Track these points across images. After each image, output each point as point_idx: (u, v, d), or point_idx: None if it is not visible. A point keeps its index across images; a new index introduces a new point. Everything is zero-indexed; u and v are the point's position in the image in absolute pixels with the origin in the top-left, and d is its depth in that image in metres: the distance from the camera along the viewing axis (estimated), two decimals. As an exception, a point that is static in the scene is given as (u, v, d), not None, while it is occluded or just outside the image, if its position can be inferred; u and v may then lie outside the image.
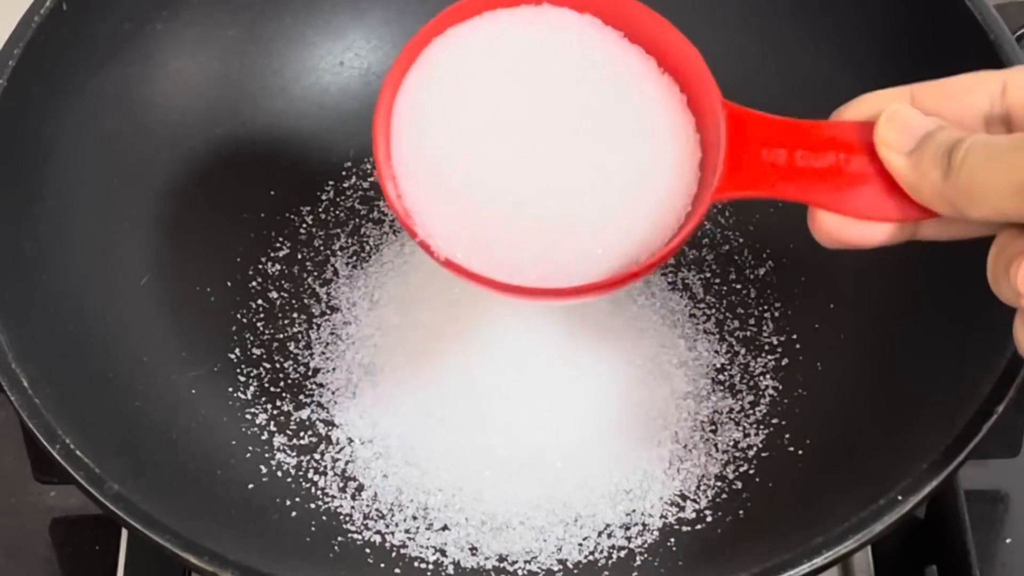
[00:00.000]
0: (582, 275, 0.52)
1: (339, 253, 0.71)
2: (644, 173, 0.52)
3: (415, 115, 0.53)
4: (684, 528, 0.62)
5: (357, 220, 0.72)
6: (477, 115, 0.53)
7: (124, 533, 0.67)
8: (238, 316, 0.68)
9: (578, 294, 0.52)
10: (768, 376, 0.66)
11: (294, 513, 0.62)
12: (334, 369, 0.67)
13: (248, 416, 0.65)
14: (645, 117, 0.53)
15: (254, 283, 0.69)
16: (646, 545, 0.61)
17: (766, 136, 0.51)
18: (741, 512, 0.62)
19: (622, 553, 0.61)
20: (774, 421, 0.65)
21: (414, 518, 0.62)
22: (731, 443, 0.64)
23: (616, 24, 0.54)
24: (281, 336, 0.68)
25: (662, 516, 0.62)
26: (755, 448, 0.64)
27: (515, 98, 0.53)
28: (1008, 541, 0.67)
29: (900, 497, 0.53)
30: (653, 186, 0.52)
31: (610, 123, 0.52)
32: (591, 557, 0.61)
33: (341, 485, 0.63)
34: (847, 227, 0.51)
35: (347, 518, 0.62)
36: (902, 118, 0.50)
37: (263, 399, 0.66)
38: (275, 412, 0.65)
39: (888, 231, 0.51)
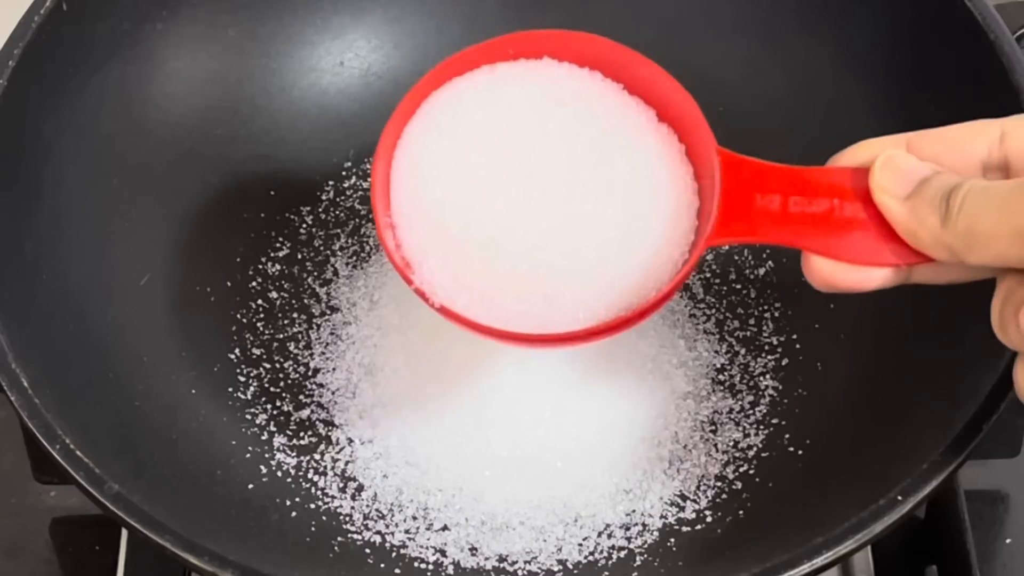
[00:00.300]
0: (576, 322, 0.52)
1: (339, 253, 0.71)
2: (641, 222, 0.53)
3: (414, 165, 0.54)
4: (684, 528, 0.62)
5: (357, 220, 0.72)
6: (476, 165, 0.53)
7: (124, 533, 0.67)
8: (238, 316, 0.68)
9: (571, 341, 0.53)
10: (768, 376, 0.66)
11: (294, 513, 0.62)
12: (334, 369, 0.67)
13: (248, 416, 0.65)
14: (643, 167, 0.54)
15: (254, 283, 0.69)
16: (646, 545, 0.61)
17: (760, 182, 0.52)
18: (741, 512, 0.62)
19: (622, 553, 0.61)
20: (774, 421, 0.65)
21: (414, 518, 0.62)
22: (731, 443, 0.64)
23: (615, 76, 0.55)
24: (281, 336, 0.68)
25: (662, 516, 0.62)
26: (755, 448, 0.64)
27: (514, 149, 0.53)
28: (1008, 541, 0.67)
29: (900, 497, 0.53)
30: (650, 235, 0.53)
31: (608, 173, 0.53)
32: (591, 557, 0.61)
33: (341, 485, 0.63)
34: (841, 272, 0.50)
35: (347, 518, 0.62)
36: (898, 163, 0.50)
37: (263, 399, 0.66)
38: (275, 412, 0.65)
39: (882, 276, 0.51)
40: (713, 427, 0.65)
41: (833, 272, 0.50)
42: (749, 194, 0.52)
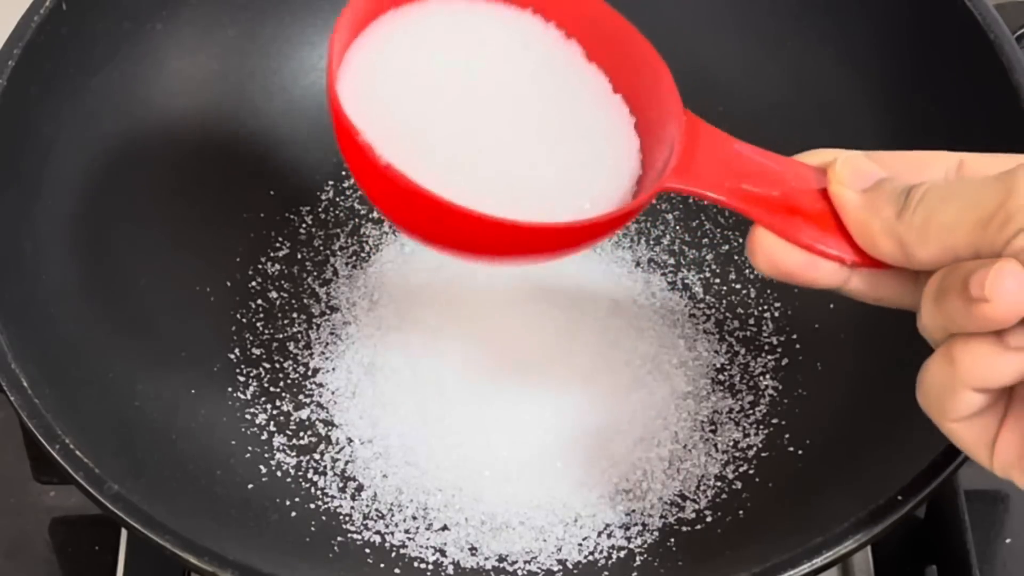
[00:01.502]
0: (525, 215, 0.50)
1: (339, 253, 0.71)
2: (587, 151, 0.52)
3: (372, 56, 0.53)
4: (684, 528, 0.62)
5: (357, 220, 0.72)
6: (432, 79, 0.52)
7: (124, 533, 0.67)
8: (238, 316, 0.68)
9: (524, 237, 0.49)
10: (768, 376, 0.66)
11: (294, 513, 0.62)
12: (334, 369, 0.67)
13: (248, 416, 0.65)
14: (587, 114, 0.53)
15: (254, 283, 0.69)
16: (646, 545, 0.61)
17: (723, 150, 0.52)
18: (741, 512, 0.62)
19: (622, 553, 0.61)
20: (774, 421, 0.65)
21: (414, 518, 0.62)
22: (731, 443, 0.64)
23: (578, 32, 0.54)
24: (281, 336, 0.68)
25: (662, 516, 0.62)
26: (755, 448, 0.64)
27: (467, 73, 0.53)
28: (1008, 541, 0.67)
29: (900, 497, 0.53)
30: (597, 166, 0.52)
31: (558, 103, 0.53)
32: (591, 557, 0.61)
33: (341, 485, 0.63)
34: (785, 252, 0.50)
35: (347, 518, 0.62)
36: (859, 163, 0.50)
37: (263, 399, 0.66)
38: (275, 412, 0.65)
39: (823, 271, 0.51)
40: (713, 427, 0.65)
41: (777, 250, 0.50)
42: (711, 154, 0.52)
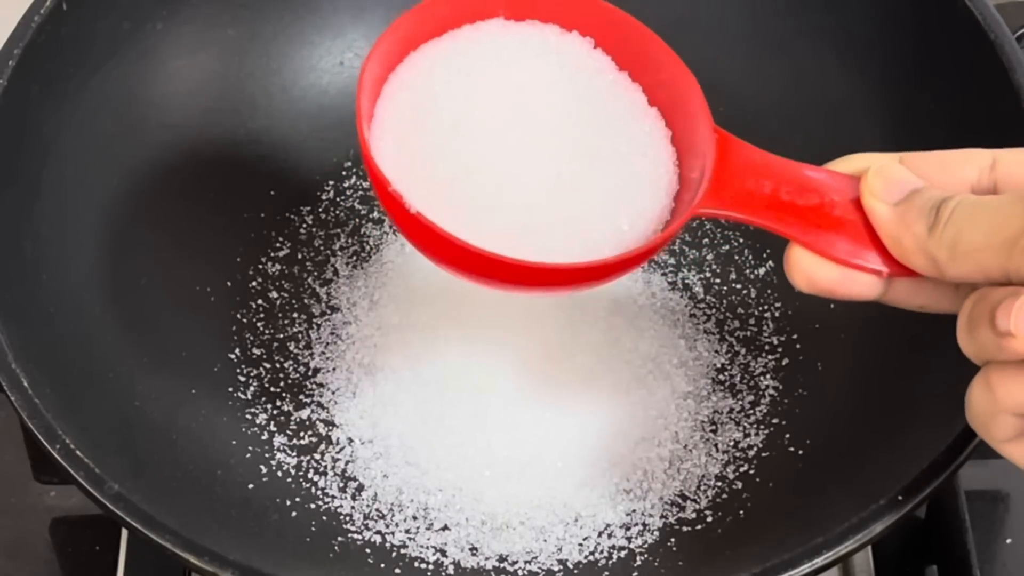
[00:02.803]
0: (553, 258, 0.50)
1: (339, 253, 0.71)
2: (625, 170, 0.52)
3: (406, 92, 0.53)
4: (684, 528, 0.62)
5: (357, 220, 0.72)
6: (467, 107, 0.52)
7: (124, 533, 0.67)
8: (238, 316, 0.68)
9: (547, 276, 0.50)
10: (768, 376, 0.66)
11: (294, 513, 0.62)
12: (334, 369, 0.67)
13: (248, 416, 0.65)
14: (628, 138, 0.53)
15: (254, 283, 0.69)
16: (646, 545, 0.61)
17: (754, 165, 0.52)
18: (741, 512, 0.62)
19: (622, 553, 0.61)
20: (774, 421, 0.65)
21: (414, 518, 0.62)
22: (731, 443, 0.64)
23: (612, 48, 0.54)
24: (281, 336, 0.68)
25: (662, 516, 0.62)
26: (755, 448, 0.64)
27: (503, 100, 0.53)
28: (1008, 541, 0.67)
29: (900, 497, 0.53)
30: (635, 184, 0.52)
31: (591, 136, 0.53)
32: (591, 557, 0.61)
33: (341, 485, 0.63)
34: (822, 269, 0.50)
35: (347, 518, 0.62)
36: (891, 172, 0.50)
37: (263, 399, 0.66)
38: (275, 412, 0.65)
39: (862, 284, 0.51)
40: (713, 427, 0.65)
41: (813, 268, 0.51)
42: (742, 173, 0.52)
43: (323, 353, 0.67)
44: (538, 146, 0.52)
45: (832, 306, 0.67)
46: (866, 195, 0.50)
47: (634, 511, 0.62)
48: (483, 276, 0.50)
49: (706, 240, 0.71)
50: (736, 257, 0.70)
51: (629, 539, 0.62)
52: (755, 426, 0.65)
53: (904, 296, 0.51)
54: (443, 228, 0.49)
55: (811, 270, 0.51)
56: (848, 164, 0.52)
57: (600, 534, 0.62)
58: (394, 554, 0.61)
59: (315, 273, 0.70)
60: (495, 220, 0.51)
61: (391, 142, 0.52)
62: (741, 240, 0.70)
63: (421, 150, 0.52)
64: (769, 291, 0.69)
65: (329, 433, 0.65)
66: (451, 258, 0.50)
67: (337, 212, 0.72)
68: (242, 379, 0.66)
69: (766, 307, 0.69)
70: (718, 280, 0.70)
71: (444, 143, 0.52)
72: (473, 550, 0.61)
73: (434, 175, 0.51)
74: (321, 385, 0.66)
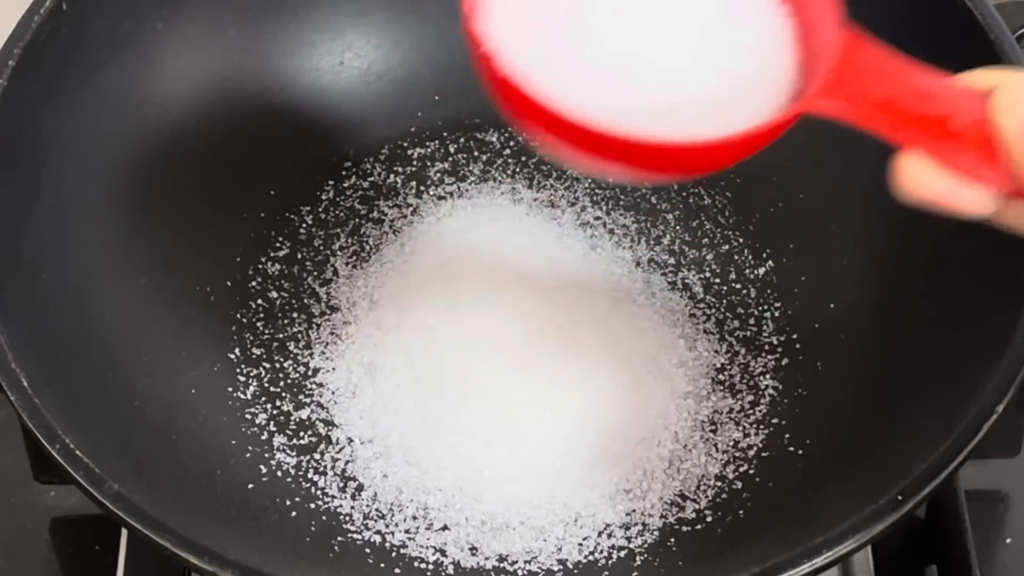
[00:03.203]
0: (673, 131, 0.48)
1: (339, 253, 0.71)
2: (747, 59, 0.51)
3: None
4: (684, 528, 0.62)
5: (357, 220, 0.72)
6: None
7: (124, 533, 0.67)
8: (238, 316, 0.68)
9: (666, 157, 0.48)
10: (768, 376, 0.66)
11: (294, 513, 0.62)
12: (334, 369, 0.67)
13: (248, 416, 0.65)
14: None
15: (254, 283, 0.69)
16: (646, 545, 0.61)
17: (879, 68, 0.50)
18: (741, 512, 0.62)
19: (622, 553, 0.61)
20: (774, 421, 0.65)
21: (414, 518, 0.62)
22: (731, 443, 0.64)
23: None
24: (281, 336, 0.68)
25: (662, 516, 0.62)
26: (755, 448, 0.64)
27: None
28: (1008, 541, 0.67)
29: (900, 497, 0.53)
30: (755, 74, 0.51)
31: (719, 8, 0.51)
32: (591, 557, 0.61)
33: (341, 485, 0.63)
34: (934, 179, 0.48)
35: (347, 518, 0.62)
36: (1022, 90, 0.48)
37: (263, 399, 0.66)
38: (275, 412, 0.65)
39: (971, 199, 0.48)
40: (713, 427, 0.65)
41: (925, 176, 0.48)
42: (864, 72, 0.50)
43: (323, 353, 0.67)
44: (660, 29, 0.50)
45: (832, 306, 0.67)
46: (995, 111, 0.48)
47: (634, 511, 0.62)
48: (589, 150, 0.48)
49: (706, 240, 0.71)
50: (736, 257, 0.70)
51: (629, 539, 0.62)
52: (755, 426, 0.65)
53: (1019, 218, 0.49)
54: (529, 87, 0.46)
55: (923, 179, 0.48)
56: (980, 78, 0.50)
57: (600, 534, 0.62)
58: (394, 554, 0.61)
59: (315, 273, 0.70)
60: (609, 94, 0.49)
61: (501, 16, 0.49)
62: (741, 240, 0.70)
63: (537, 22, 0.50)
64: (769, 291, 0.69)
65: (329, 433, 0.65)
66: (547, 127, 0.48)
67: (337, 212, 0.72)
68: (242, 379, 0.66)
69: (766, 307, 0.69)
70: (718, 280, 0.70)
71: (562, 16, 0.50)
72: (473, 550, 0.61)
73: (551, 51, 0.49)
74: (321, 385, 0.66)
